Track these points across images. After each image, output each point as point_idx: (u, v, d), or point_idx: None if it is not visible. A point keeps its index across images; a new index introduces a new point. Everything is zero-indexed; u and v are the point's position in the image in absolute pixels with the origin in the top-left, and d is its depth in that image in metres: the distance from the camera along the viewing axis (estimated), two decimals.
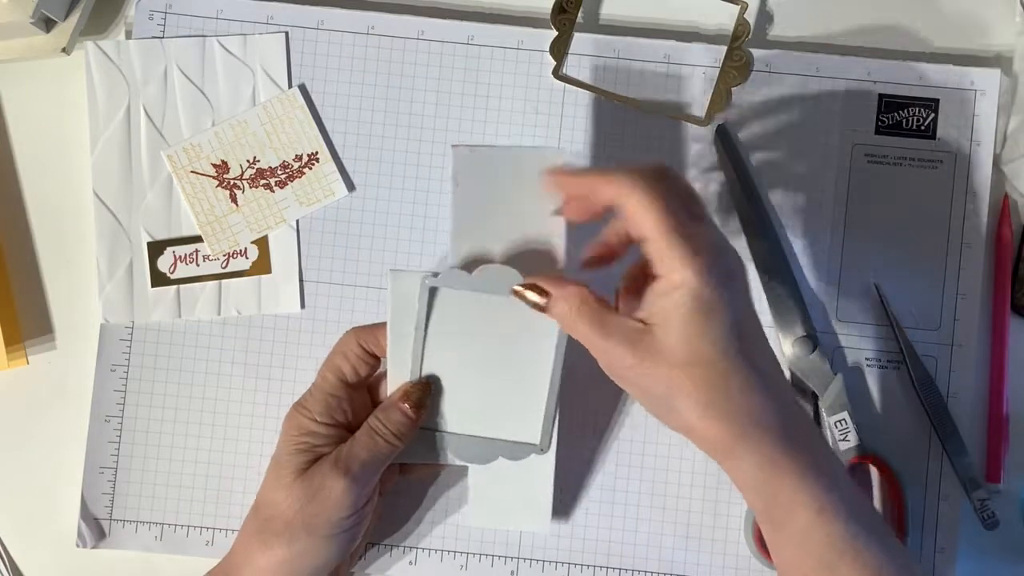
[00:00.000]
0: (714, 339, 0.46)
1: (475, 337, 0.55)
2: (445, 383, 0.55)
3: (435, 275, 0.53)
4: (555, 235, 0.53)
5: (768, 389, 0.47)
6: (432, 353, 0.55)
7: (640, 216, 0.46)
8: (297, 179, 0.61)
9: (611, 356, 0.48)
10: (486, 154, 0.54)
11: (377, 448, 0.52)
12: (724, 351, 0.46)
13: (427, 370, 0.55)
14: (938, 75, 0.61)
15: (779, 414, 0.47)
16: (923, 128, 0.60)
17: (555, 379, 0.55)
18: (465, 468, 0.56)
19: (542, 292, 0.50)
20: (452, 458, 0.55)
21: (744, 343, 0.47)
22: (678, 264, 0.46)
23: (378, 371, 0.56)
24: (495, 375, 0.55)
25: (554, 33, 0.61)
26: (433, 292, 0.54)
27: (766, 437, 0.46)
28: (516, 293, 0.51)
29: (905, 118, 0.60)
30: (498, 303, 0.53)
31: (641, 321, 0.47)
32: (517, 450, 0.56)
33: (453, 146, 0.54)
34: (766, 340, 0.49)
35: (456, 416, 0.56)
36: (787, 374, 0.59)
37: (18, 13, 0.57)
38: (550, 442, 0.56)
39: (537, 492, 0.57)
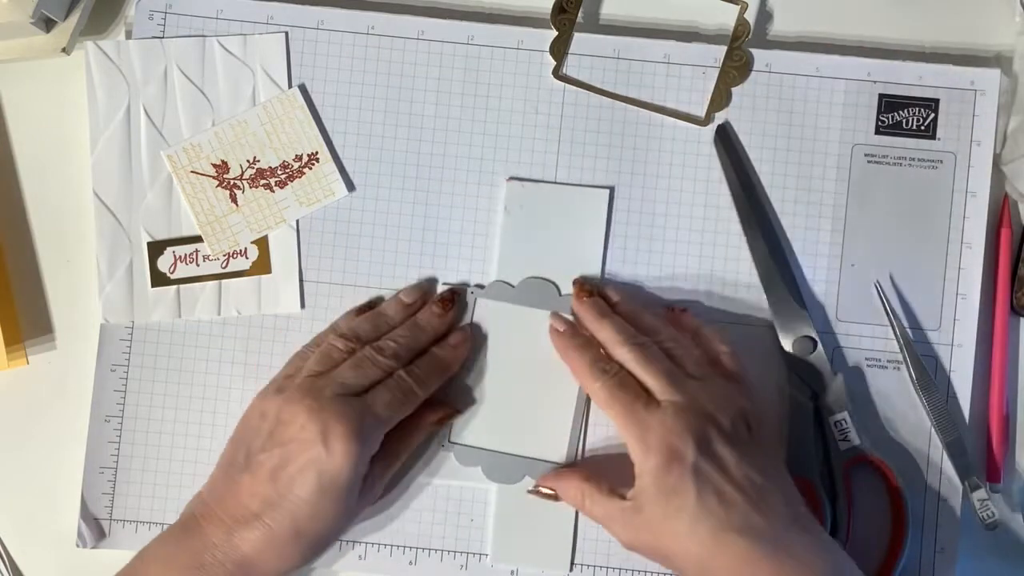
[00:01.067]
0: (682, 516, 0.52)
1: (511, 350, 0.59)
2: (481, 395, 0.59)
3: (480, 287, 0.59)
4: (592, 263, 0.60)
5: (757, 540, 0.51)
6: (471, 361, 0.59)
7: (606, 409, 0.55)
8: (297, 179, 0.61)
9: (610, 529, 0.55)
10: (536, 189, 0.59)
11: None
12: (693, 526, 0.52)
13: (465, 379, 0.59)
14: (938, 75, 0.61)
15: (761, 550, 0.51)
16: (923, 128, 0.60)
17: (581, 395, 0.57)
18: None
19: (552, 489, 0.58)
20: (483, 478, 0.59)
21: (718, 500, 0.52)
22: (638, 457, 0.53)
23: None
24: (526, 389, 0.59)
25: (554, 33, 0.61)
26: (475, 304, 0.59)
27: None
28: (532, 491, 0.58)
29: (905, 118, 0.60)
30: (535, 316, 0.59)
31: (626, 497, 0.54)
32: (542, 469, 0.59)
33: (507, 179, 0.60)
34: (750, 462, 0.53)
35: (488, 430, 0.59)
36: (787, 374, 0.59)
37: (18, 13, 0.57)
38: (575, 462, 0.59)
39: (559, 532, 0.59)
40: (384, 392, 0.55)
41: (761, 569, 0.51)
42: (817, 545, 0.52)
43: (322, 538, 0.55)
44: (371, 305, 0.60)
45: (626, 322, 0.57)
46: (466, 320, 0.59)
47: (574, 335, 0.58)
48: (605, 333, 0.56)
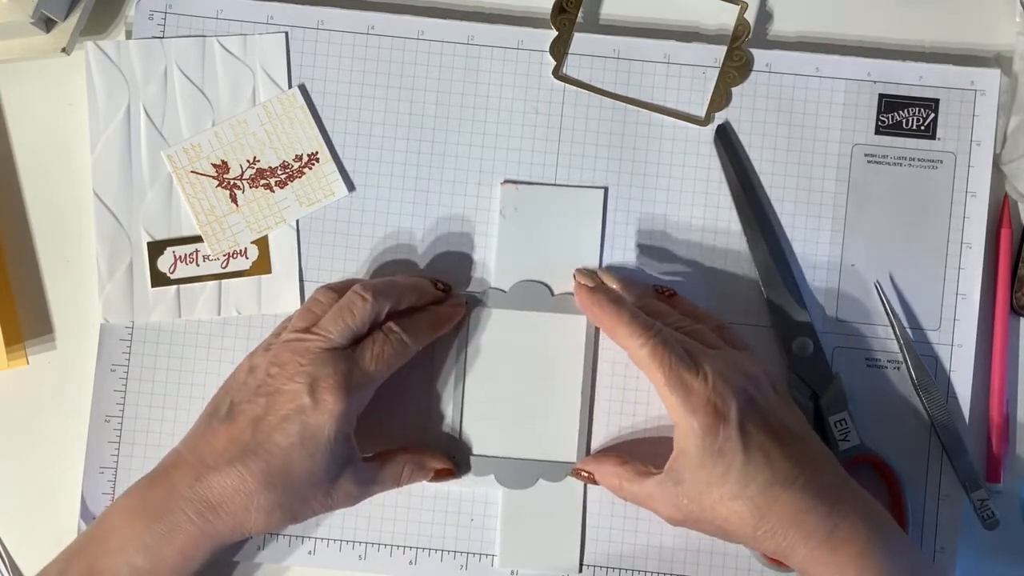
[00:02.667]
0: (729, 478, 0.52)
1: (511, 354, 0.59)
2: (485, 402, 0.59)
3: (475, 295, 0.59)
4: (590, 263, 0.59)
5: (806, 494, 0.52)
6: (473, 371, 0.59)
7: (647, 369, 0.53)
8: (297, 179, 0.61)
9: (651, 507, 0.55)
10: (531, 191, 0.60)
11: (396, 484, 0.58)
12: (742, 486, 0.52)
13: (468, 388, 0.59)
14: (938, 75, 0.61)
15: (814, 512, 0.52)
16: (923, 128, 0.60)
17: (586, 393, 0.58)
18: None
19: (590, 473, 0.57)
20: (496, 485, 0.59)
21: (764, 458, 0.52)
22: (682, 420, 0.52)
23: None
24: (530, 392, 0.59)
25: (554, 33, 0.61)
26: (471, 312, 0.59)
27: (799, 547, 0.52)
28: (573, 474, 0.58)
29: (905, 118, 0.60)
30: (531, 319, 0.59)
31: (664, 471, 0.54)
32: (555, 470, 0.59)
33: (502, 183, 0.60)
34: (786, 431, 0.53)
35: (497, 438, 0.59)
36: (787, 374, 0.59)
37: (18, 13, 0.57)
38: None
39: (567, 534, 0.59)
40: (372, 344, 0.54)
41: (809, 520, 0.51)
42: (857, 491, 0.53)
43: (292, 496, 0.53)
44: None
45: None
46: (463, 329, 0.59)
47: (606, 290, 0.57)
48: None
